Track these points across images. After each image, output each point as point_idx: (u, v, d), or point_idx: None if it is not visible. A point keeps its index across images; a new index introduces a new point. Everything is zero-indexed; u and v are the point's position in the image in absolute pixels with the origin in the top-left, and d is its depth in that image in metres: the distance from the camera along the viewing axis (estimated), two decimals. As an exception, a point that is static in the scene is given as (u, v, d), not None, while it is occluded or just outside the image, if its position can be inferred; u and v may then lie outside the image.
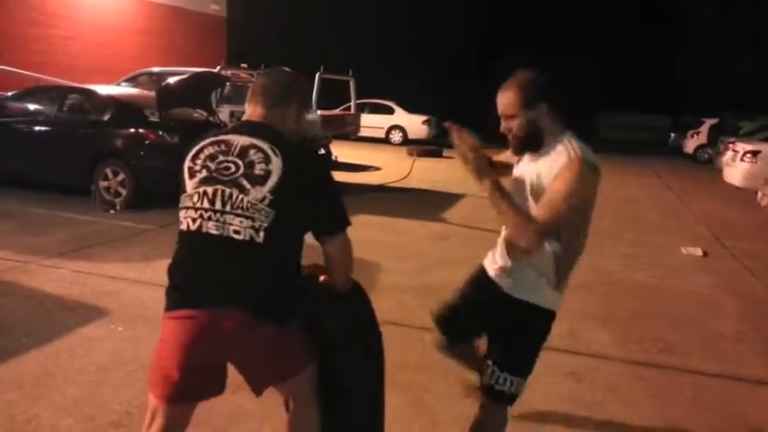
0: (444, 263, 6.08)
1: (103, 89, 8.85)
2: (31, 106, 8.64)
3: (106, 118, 8.01)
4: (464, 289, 2.63)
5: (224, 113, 10.98)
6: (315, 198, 1.93)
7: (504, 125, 2.26)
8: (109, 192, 7.80)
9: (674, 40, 31.15)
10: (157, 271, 5.30)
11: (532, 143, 2.23)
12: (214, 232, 1.83)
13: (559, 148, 2.18)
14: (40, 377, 3.34)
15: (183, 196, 1.93)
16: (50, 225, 6.73)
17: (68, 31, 14.88)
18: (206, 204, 1.86)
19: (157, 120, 7.81)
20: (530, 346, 2.35)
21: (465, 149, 2.11)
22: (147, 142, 7.80)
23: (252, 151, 1.89)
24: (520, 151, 2.31)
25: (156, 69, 13.28)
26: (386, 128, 20.84)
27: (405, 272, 5.56)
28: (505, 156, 2.53)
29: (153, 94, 8.08)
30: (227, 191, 1.85)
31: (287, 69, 2.17)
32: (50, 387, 3.24)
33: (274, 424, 3.00)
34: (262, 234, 1.81)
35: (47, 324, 4.05)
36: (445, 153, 17.46)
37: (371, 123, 19.46)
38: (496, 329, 2.42)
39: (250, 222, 1.81)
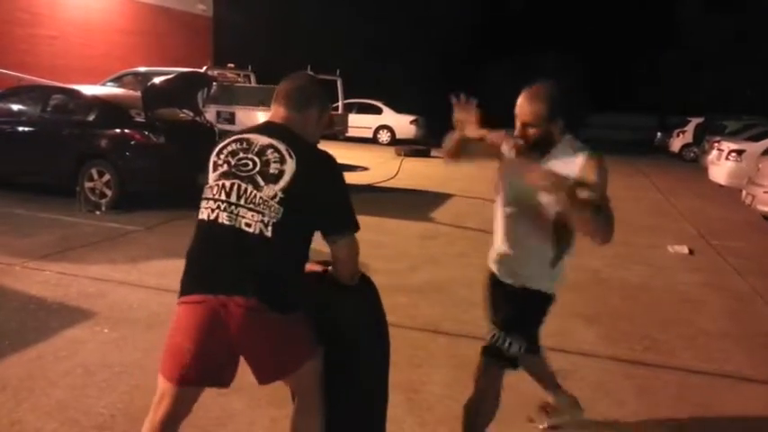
0: (433, 262, 6.08)
1: (88, 89, 8.77)
2: (14, 106, 8.55)
3: (91, 118, 7.95)
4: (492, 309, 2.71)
5: (210, 113, 10.93)
6: (324, 199, 2.03)
7: (520, 130, 2.40)
8: (94, 193, 7.74)
9: (660, 41, 31.37)
10: (143, 272, 5.26)
11: (542, 149, 2.41)
12: (227, 223, 1.95)
13: (568, 150, 2.39)
14: (23, 380, 3.30)
15: (205, 187, 2.07)
16: (35, 227, 6.66)
17: (53, 30, 14.73)
18: (223, 196, 1.98)
19: (143, 120, 7.76)
20: (526, 312, 2.54)
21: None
22: (132, 143, 7.75)
23: (269, 151, 2.01)
24: (528, 154, 2.42)
25: (141, 69, 13.19)
26: (374, 128, 20.83)
27: (394, 271, 5.55)
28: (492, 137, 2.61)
29: (139, 94, 8.03)
30: (243, 186, 1.97)
31: (310, 74, 2.30)
32: (34, 390, 3.20)
33: (263, 425, 2.99)
34: (270, 229, 1.92)
35: (31, 326, 4.01)
36: (433, 153, 17.48)
37: (359, 123, 19.45)
38: (502, 307, 2.58)
39: (260, 217, 1.93)
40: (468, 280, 5.52)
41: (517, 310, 2.55)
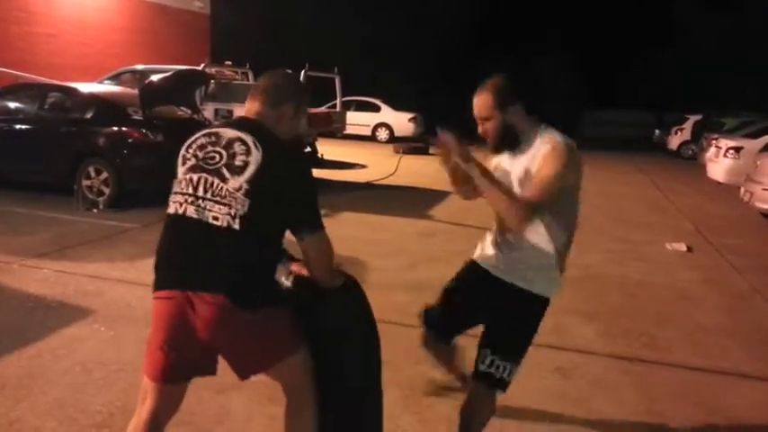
0: (431, 260, 6.08)
1: (86, 87, 8.75)
2: (11, 104, 8.52)
3: (89, 116, 7.93)
4: (453, 286, 2.72)
5: (208, 111, 10.90)
6: (289, 193, 1.99)
7: (480, 128, 2.44)
8: (92, 191, 7.72)
9: (658, 38, 31.36)
10: (141, 270, 5.25)
11: (508, 142, 2.42)
12: (194, 216, 1.95)
13: (538, 140, 2.35)
14: (22, 379, 3.29)
15: (174, 181, 2.06)
16: (33, 225, 6.64)
17: (51, 28, 14.70)
18: (190, 190, 1.98)
19: (141, 118, 7.74)
20: (523, 331, 2.47)
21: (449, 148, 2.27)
22: (130, 141, 7.73)
23: (236, 144, 1.99)
24: (497, 151, 2.48)
25: (139, 67, 13.17)
26: (372, 125, 20.82)
27: (392, 269, 5.55)
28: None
29: (136, 92, 8.01)
30: (210, 179, 1.96)
31: (288, 72, 2.29)
32: (33, 389, 3.20)
33: (260, 422, 2.99)
34: (238, 221, 1.90)
35: (29, 325, 4.00)
36: (432, 150, 17.48)
37: (358, 121, 19.43)
38: (491, 317, 2.52)
39: (227, 209, 1.91)
40: (466, 277, 5.52)
41: (518, 330, 2.46)
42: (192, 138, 2.11)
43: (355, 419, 2.26)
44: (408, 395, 3.35)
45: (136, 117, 7.78)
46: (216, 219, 1.91)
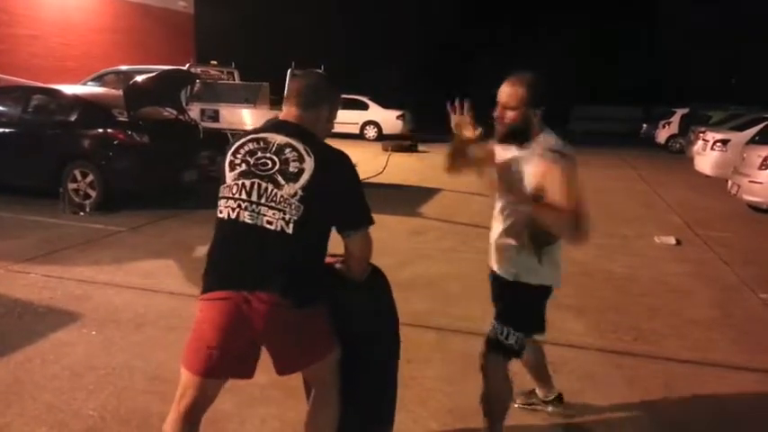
0: (422, 257, 6.09)
1: (70, 89, 8.66)
2: (-5, 107, 8.42)
3: (73, 118, 7.86)
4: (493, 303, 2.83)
5: (194, 111, 10.82)
6: (341, 196, 2.11)
7: (499, 111, 2.47)
8: (78, 194, 7.66)
9: (645, 32, 31.57)
10: (129, 273, 5.21)
11: (520, 137, 2.47)
12: (249, 221, 2.01)
13: (538, 149, 2.41)
14: (10, 385, 3.26)
15: (222, 187, 2.11)
16: (18, 229, 6.58)
17: (32, 29, 14.52)
18: (243, 195, 2.03)
19: (126, 119, 7.68)
20: (514, 305, 2.64)
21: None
22: (115, 142, 7.67)
23: (287, 150, 2.06)
24: (505, 140, 2.51)
25: (123, 68, 13.03)
26: (360, 123, 20.78)
27: (384, 267, 5.48)
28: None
29: (121, 93, 7.94)
30: (264, 185, 2.02)
31: (320, 72, 2.35)
32: (22, 394, 3.17)
33: (253, 424, 2.98)
34: (292, 226, 1.98)
35: (17, 330, 3.96)
36: (420, 148, 17.47)
37: (345, 119, 19.36)
38: (498, 299, 2.74)
39: (281, 215, 1.99)
40: (457, 275, 5.52)
41: (510, 302, 2.65)
42: (239, 143, 2.14)
43: (377, 407, 2.41)
44: (401, 393, 3.32)
45: (121, 118, 7.72)
46: (270, 223, 1.99)
